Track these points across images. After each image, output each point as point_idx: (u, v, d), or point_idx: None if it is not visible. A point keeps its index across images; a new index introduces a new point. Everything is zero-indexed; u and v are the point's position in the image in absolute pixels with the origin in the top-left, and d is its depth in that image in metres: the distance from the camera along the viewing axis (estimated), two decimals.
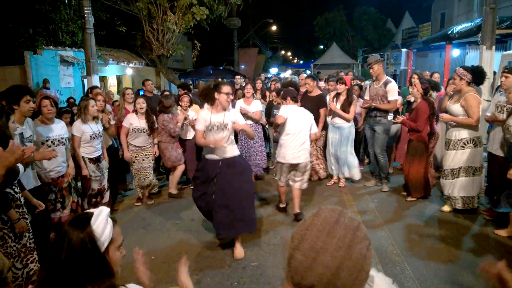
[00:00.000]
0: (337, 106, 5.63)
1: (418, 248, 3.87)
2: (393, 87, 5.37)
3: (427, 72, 7.66)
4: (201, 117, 3.87)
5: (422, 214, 4.75)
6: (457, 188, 4.60)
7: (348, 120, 5.63)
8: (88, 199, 4.55)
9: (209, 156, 3.83)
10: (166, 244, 4.12)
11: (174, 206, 5.32)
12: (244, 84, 7.56)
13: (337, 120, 5.70)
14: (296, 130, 4.47)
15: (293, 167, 4.55)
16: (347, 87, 5.65)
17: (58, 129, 3.89)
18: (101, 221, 1.25)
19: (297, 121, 4.49)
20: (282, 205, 4.92)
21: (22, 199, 2.91)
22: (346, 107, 5.58)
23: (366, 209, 4.98)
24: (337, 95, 5.73)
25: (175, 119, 5.49)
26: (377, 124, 5.49)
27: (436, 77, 6.62)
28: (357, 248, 0.87)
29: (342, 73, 9.48)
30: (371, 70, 5.47)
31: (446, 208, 4.74)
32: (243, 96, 6.33)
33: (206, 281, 3.38)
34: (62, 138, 3.89)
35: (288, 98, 4.65)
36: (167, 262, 3.69)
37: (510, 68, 4.29)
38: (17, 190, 2.87)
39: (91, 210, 1.29)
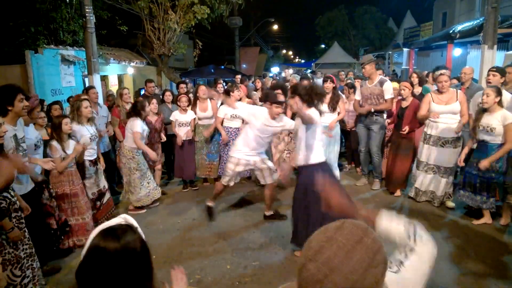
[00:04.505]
0: (323, 106, 5.56)
1: None
2: (389, 85, 5.40)
3: (425, 72, 7.64)
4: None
5: (422, 212, 4.74)
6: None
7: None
8: (92, 204, 4.39)
9: None
10: (167, 244, 4.11)
11: (175, 205, 5.32)
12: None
13: (325, 120, 5.54)
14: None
15: None
16: (333, 85, 5.73)
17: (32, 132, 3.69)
18: (138, 225, 1.22)
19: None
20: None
21: (17, 203, 2.80)
22: (333, 105, 5.61)
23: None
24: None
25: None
26: (373, 123, 5.51)
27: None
28: (373, 273, 0.85)
29: (343, 73, 9.46)
30: (363, 70, 5.48)
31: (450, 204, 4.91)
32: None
33: (208, 281, 3.37)
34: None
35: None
36: (168, 261, 3.68)
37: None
38: (12, 193, 2.76)
39: (116, 219, 1.21)
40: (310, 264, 0.86)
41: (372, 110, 5.42)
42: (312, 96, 3.56)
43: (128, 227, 1.17)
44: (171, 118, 5.78)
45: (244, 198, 5.50)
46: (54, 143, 3.86)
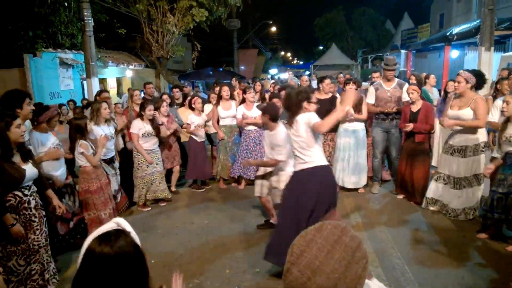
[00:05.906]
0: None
1: (419, 251, 3.87)
2: (406, 88, 5.24)
3: (424, 73, 7.67)
4: None
5: (422, 217, 4.74)
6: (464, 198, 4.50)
7: (360, 122, 5.49)
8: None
9: None
10: (166, 248, 4.11)
11: (174, 209, 5.32)
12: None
13: (351, 124, 5.46)
14: None
15: None
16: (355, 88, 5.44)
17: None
18: (131, 230, 1.23)
19: None
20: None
21: (33, 201, 2.90)
22: (357, 107, 5.38)
23: (367, 212, 4.98)
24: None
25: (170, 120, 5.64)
26: (394, 127, 5.39)
27: (433, 78, 6.63)
28: (354, 269, 0.89)
29: (341, 75, 9.45)
30: (390, 72, 5.35)
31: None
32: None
33: (207, 285, 3.38)
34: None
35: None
36: (167, 266, 3.68)
37: None
38: (27, 192, 2.86)
39: (109, 224, 1.22)
40: (293, 268, 0.90)
41: (395, 110, 5.29)
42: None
43: (121, 232, 1.18)
44: (188, 121, 5.83)
45: (245, 204, 5.49)
46: (84, 141, 4.04)
